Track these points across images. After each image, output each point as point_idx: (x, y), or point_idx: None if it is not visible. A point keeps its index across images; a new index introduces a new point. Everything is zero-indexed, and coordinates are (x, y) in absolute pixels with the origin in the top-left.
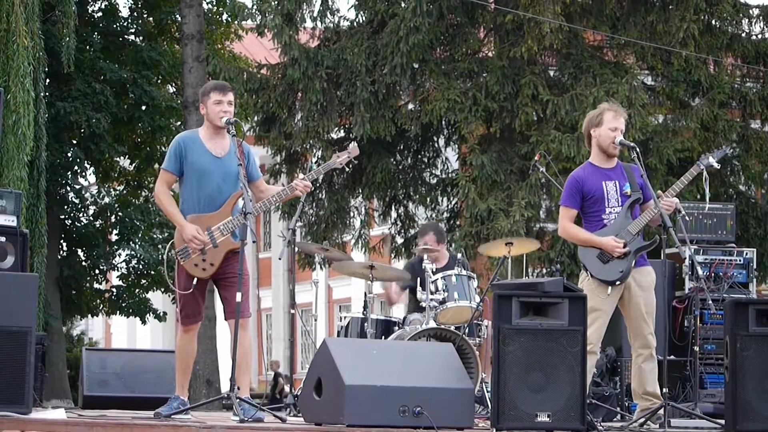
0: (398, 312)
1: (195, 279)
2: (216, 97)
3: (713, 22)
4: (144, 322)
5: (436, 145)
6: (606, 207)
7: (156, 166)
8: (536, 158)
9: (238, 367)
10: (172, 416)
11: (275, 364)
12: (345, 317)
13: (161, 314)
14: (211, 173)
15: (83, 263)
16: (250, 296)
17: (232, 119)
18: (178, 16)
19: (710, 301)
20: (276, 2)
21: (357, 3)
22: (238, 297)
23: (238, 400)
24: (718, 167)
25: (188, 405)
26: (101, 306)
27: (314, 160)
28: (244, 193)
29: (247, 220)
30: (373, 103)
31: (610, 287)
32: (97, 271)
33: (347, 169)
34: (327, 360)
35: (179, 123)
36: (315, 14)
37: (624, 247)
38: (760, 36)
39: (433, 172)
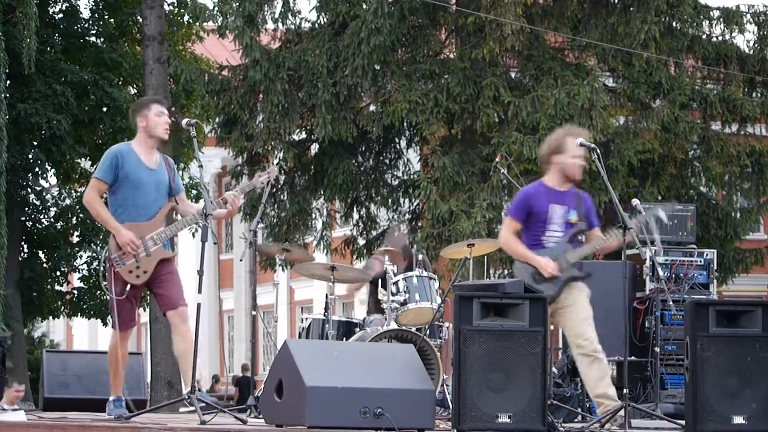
0: (359, 313)
1: (128, 285)
2: (158, 108)
3: (674, 23)
4: (105, 324)
5: (397, 146)
6: (547, 229)
7: None
8: (497, 160)
9: (184, 362)
10: (133, 419)
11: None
12: (306, 319)
13: None
14: (147, 185)
15: (44, 265)
16: (210, 298)
17: (192, 120)
18: (139, 17)
19: (671, 302)
20: (237, 4)
21: (318, 4)
22: (199, 298)
23: (199, 400)
24: (665, 221)
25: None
26: (62, 308)
27: (275, 161)
28: (205, 195)
29: (207, 221)
30: (334, 105)
31: None
32: (58, 273)
33: (310, 168)
34: (288, 361)
35: None
36: (276, 16)
37: (557, 269)
38: (720, 38)
39: (395, 173)
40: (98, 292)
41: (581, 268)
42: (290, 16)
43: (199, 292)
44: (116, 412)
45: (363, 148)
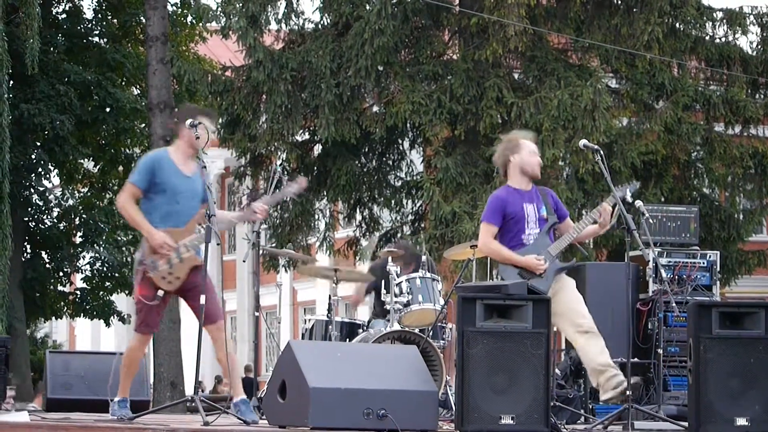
0: (363, 314)
1: (160, 291)
2: (208, 124)
3: (677, 25)
4: (108, 324)
5: (400, 147)
6: (526, 228)
7: (120, 168)
8: None
9: (226, 371)
10: (136, 419)
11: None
12: (309, 320)
13: (125, 317)
14: (182, 192)
15: (47, 265)
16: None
17: (196, 121)
18: (142, 17)
19: (674, 304)
20: (240, 4)
21: (322, 5)
22: (202, 299)
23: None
24: (631, 201)
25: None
26: (65, 308)
27: (279, 162)
28: (208, 196)
29: (211, 223)
30: (337, 106)
31: None
32: (61, 274)
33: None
34: (291, 362)
35: (143, 125)
36: (280, 16)
37: (544, 264)
38: (723, 39)
39: (398, 174)
40: (101, 292)
41: (562, 259)
42: (293, 17)
43: (202, 293)
44: (120, 413)
45: (366, 149)
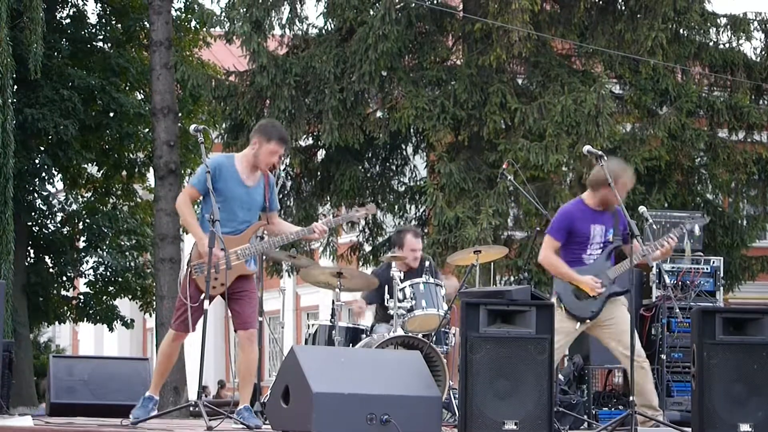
0: (366, 320)
1: (203, 294)
2: (275, 148)
3: (681, 30)
4: (111, 329)
5: (404, 152)
6: (588, 248)
7: (124, 173)
8: (504, 166)
9: (242, 379)
10: (140, 424)
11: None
12: (313, 325)
13: (129, 321)
14: (239, 201)
15: (50, 270)
16: (216, 303)
17: (200, 126)
18: (146, 22)
19: (677, 310)
20: (244, 9)
21: (326, 10)
22: (206, 304)
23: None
24: (699, 234)
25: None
26: (68, 313)
27: (282, 167)
28: (212, 200)
29: (215, 227)
30: (341, 111)
31: (579, 323)
32: (64, 278)
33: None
34: (294, 367)
35: (147, 130)
36: (283, 22)
37: (601, 287)
38: (727, 45)
39: (402, 179)
40: (104, 297)
41: (623, 283)
42: (297, 22)
43: (206, 297)
44: (134, 414)
45: (370, 155)
